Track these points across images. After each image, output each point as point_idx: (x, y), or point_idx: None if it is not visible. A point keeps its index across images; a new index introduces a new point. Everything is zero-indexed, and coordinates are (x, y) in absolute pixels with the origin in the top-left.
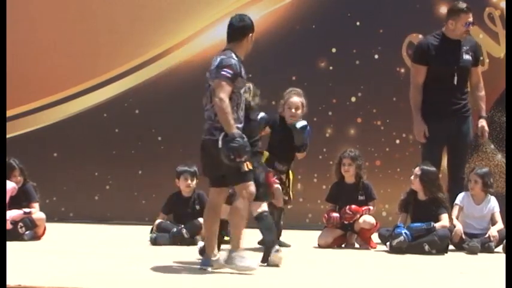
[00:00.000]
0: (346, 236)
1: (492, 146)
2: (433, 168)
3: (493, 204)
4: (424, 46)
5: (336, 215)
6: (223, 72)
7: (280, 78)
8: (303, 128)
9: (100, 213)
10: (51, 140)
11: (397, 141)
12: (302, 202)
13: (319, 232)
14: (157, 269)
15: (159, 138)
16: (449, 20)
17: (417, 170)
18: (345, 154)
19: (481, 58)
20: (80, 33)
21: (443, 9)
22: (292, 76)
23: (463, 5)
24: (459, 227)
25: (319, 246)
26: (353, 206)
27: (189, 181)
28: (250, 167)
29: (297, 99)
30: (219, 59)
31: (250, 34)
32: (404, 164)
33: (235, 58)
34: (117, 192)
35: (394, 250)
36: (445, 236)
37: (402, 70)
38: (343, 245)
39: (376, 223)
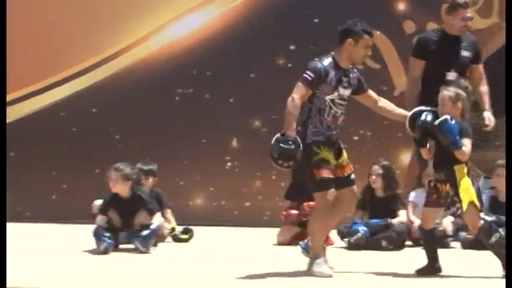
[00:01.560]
0: (304, 233)
1: None
2: (390, 165)
3: None
4: (423, 41)
5: (294, 212)
6: (304, 75)
7: (239, 75)
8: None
9: (57, 213)
10: (8, 139)
11: (355, 138)
12: (260, 200)
13: (277, 229)
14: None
15: (117, 137)
16: (449, 16)
17: (378, 168)
18: None
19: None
20: (36, 33)
21: (400, 6)
22: (251, 73)
23: (461, 0)
24: (418, 222)
25: (278, 244)
26: (311, 203)
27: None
28: (324, 175)
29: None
30: (309, 63)
31: (350, 39)
32: (361, 160)
33: (327, 63)
34: (75, 192)
35: (352, 246)
36: (402, 232)
37: (360, 66)
38: (301, 242)
39: None
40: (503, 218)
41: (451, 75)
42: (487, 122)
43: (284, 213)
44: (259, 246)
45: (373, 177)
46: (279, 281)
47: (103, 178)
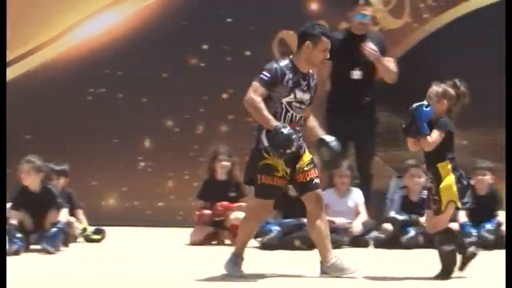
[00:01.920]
0: (217, 232)
1: None
2: None
3: (357, 196)
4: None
5: (207, 212)
6: (260, 75)
7: (151, 74)
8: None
9: None
10: None
11: None
12: (173, 199)
13: (190, 229)
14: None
15: (28, 137)
16: (349, 13)
17: None
18: (220, 150)
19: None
20: None
21: (313, 6)
22: (163, 73)
23: None
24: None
25: (191, 244)
26: (224, 203)
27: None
28: (267, 182)
29: None
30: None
31: (308, 42)
32: None
33: (283, 64)
34: None
35: (265, 246)
36: None
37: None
38: (214, 242)
39: None
40: (414, 216)
41: (356, 74)
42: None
43: (197, 213)
44: (172, 246)
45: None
46: (190, 280)
47: (14, 178)
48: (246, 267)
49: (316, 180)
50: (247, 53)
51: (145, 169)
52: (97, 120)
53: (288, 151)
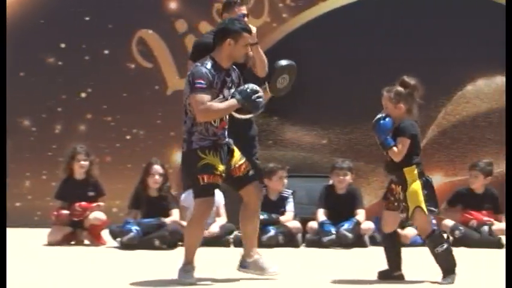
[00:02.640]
0: (76, 233)
1: None
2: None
3: (218, 198)
4: (200, 45)
5: (65, 212)
6: (196, 85)
7: (8, 74)
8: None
9: None
10: None
11: (128, 137)
12: (31, 200)
13: (48, 229)
14: None
15: None
16: (224, 14)
17: (159, 168)
18: (78, 150)
19: None
20: None
21: (172, 5)
22: (20, 72)
23: None
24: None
25: (49, 244)
26: (83, 203)
27: None
28: (208, 181)
29: None
30: (190, 71)
31: (229, 39)
32: (134, 159)
33: (209, 66)
34: None
35: (124, 246)
36: (175, 231)
37: (132, 66)
38: (72, 242)
39: (106, 219)
40: (274, 216)
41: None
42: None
43: (55, 213)
44: (29, 246)
45: (156, 176)
46: (48, 281)
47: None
48: (103, 266)
49: (252, 172)
50: (106, 51)
51: None
52: None
53: (260, 99)
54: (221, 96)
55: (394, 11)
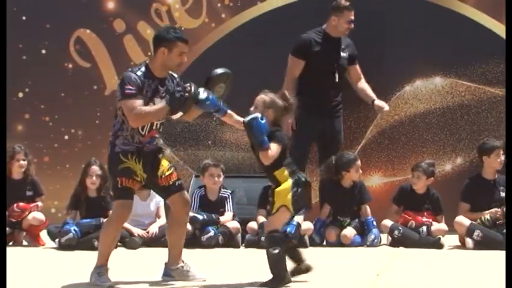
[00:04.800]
0: (14, 233)
1: (161, 141)
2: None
3: (158, 199)
4: (306, 41)
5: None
6: (126, 91)
7: None
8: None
9: None
10: None
11: (66, 137)
12: None
13: None
14: None
15: None
16: (332, 17)
17: (98, 169)
18: (17, 149)
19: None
20: None
21: (110, 4)
22: None
23: (346, 3)
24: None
25: None
26: (21, 204)
27: None
28: (126, 185)
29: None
30: (122, 76)
31: (163, 48)
32: (73, 159)
33: (140, 73)
34: None
35: (63, 247)
36: None
37: (70, 65)
38: (10, 243)
39: (45, 220)
40: (215, 216)
41: (335, 76)
42: (381, 106)
43: None
44: None
45: (94, 177)
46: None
47: None
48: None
49: (179, 182)
50: (43, 51)
51: None
52: None
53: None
54: (151, 104)
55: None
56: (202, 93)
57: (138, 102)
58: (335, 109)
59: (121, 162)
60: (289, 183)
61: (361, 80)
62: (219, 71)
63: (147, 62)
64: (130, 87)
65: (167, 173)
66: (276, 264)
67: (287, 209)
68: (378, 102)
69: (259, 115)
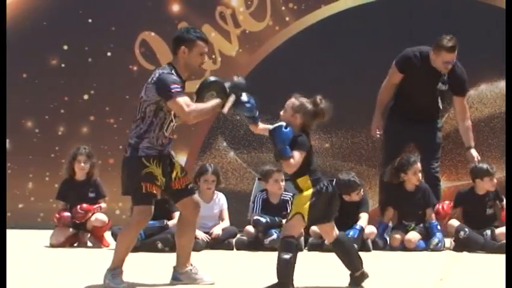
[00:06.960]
0: (78, 234)
1: (225, 144)
2: None
3: (222, 201)
4: (410, 55)
5: (67, 214)
6: (174, 90)
7: (12, 75)
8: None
9: None
10: None
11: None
12: (33, 201)
13: (51, 231)
14: None
15: None
16: (432, 51)
17: None
18: (80, 151)
19: (466, 88)
20: None
21: (175, 7)
22: (23, 73)
23: (448, 43)
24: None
25: (51, 246)
26: (84, 205)
27: None
28: (150, 190)
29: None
30: (157, 75)
31: (183, 47)
32: None
33: (175, 73)
34: None
35: None
36: None
37: (135, 68)
38: (75, 244)
39: (109, 221)
40: (278, 219)
41: (441, 86)
42: (474, 157)
43: (57, 215)
44: (32, 248)
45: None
46: (49, 282)
47: None
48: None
49: (192, 185)
50: (108, 54)
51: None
52: None
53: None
54: None
55: (398, 14)
56: (245, 96)
57: (188, 99)
58: (427, 117)
59: (144, 167)
60: (310, 192)
61: (465, 117)
62: (211, 79)
63: (172, 63)
64: (176, 85)
65: (180, 176)
66: (284, 269)
67: (302, 218)
68: (473, 152)
69: (283, 124)
